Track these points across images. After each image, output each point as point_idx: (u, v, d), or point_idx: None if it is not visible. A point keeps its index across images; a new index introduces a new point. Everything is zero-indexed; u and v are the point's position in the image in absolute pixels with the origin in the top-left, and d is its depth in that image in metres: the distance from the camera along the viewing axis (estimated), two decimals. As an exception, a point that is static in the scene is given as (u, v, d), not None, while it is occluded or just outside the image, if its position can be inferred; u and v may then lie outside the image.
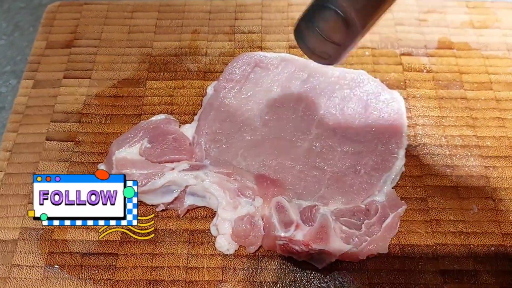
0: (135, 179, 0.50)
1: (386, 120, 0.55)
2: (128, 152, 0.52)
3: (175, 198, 0.51)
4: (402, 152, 0.53)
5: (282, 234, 0.47)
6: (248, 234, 0.48)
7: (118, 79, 0.61)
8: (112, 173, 0.51)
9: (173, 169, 0.51)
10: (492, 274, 0.48)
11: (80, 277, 0.48)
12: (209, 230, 0.51)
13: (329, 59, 0.44)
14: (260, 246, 0.49)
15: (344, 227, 0.48)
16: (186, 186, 0.51)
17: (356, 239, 0.48)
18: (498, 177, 0.53)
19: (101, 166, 0.53)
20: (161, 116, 0.56)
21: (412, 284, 0.47)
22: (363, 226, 0.49)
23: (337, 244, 0.47)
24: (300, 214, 0.49)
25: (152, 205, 0.52)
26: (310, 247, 0.47)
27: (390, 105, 0.56)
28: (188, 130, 0.55)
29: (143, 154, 0.52)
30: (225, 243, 0.49)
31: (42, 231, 0.51)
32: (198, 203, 0.52)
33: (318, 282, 0.48)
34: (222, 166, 0.52)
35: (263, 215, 0.49)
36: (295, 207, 0.50)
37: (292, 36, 0.65)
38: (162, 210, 0.51)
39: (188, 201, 0.51)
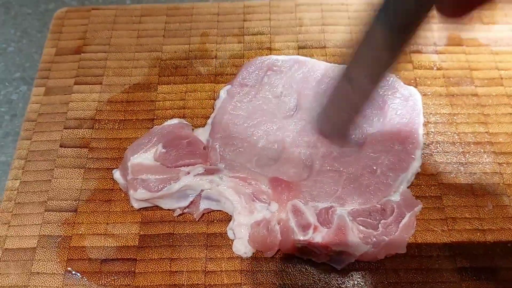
0: (151, 184, 0.50)
1: (403, 117, 0.55)
2: (143, 157, 0.52)
3: (191, 202, 0.52)
4: (419, 153, 0.53)
5: (301, 238, 0.48)
6: (266, 240, 0.48)
7: (129, 84, 0.62)
8: (128, 178, 0.51)
9: (188, 173, 0.51)
10: (509, 270, 0.48)
11: (100, 283, 0.48)
12: (226, 233, 0.51)
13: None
14: (278, 250, 0.49)
15: (361, 227, 0.49)
16: (202, 190, 0.51)
17: (374, 239, 0.48)
18: (512, 173, 0.54)
19: (116, 172, 0.54)
20: (175, 121, 0.56)
21: (430, 282, 0.48)
22: (379, 226, 0.49)
23: (355, 244, 0.47)
24: (317, 216, 0.49)
25: (169, 210, 0.52)
26: (329, 248, 0.47)
27: (407, 102, 0.56)
28: (201, 134, 0.55)
29: (158, 159, 0.52)
30: (242, 247, 0.49)
31: (60, 238, 0.51)
32: (213, 207, 0.52)
33: (337, 283, 0.48)
34: (237, 170, 0.52)
35: (279, 220, 0.49)
36: (311, 209, 0.50)
37: (301, 36, 0.65)
38: (179, 215, 0.52)
39: (203, 205, 0.52)
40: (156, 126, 0.56)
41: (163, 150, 0.52)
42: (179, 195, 0.51)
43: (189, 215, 0.52)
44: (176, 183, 0.50)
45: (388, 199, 0.51)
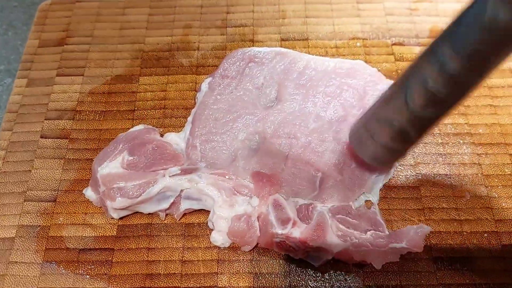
0: (129, 191, 0.49)
1: None
2: (111, 167, 0.51)
3: (171, 204, 0.51)
4: None
5: (279, 231, 0.47)
6: (245, 235, 0.48)
7: (111, 76, 0.62)
8: (101, 190, 0.50)
9: (164, 175, 0.51)
10: (485, 260, 0.48)
11: (77, 272, 0.48)
12: (204, 223, 0.51)
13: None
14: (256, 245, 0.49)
15: (340, 226, 0.48)
16: (181, 191, 0.51)
17: (356, 240, 0.48)
18: (491, 164, 0.54)
19: (87, 190, 0.52)
20: (140, 127, 0.55)
21: (406, 271, 0.48)
22: (368, 234, 0.48)
23: (333, 241, 0.47)
24: (297, 211, 0.49)
25: (149, 214, 0.52)
26: (307, 244, 0.47)
27: None
28: (174, 138, 0.55)
29: (127, 167, 0.51)
30: (219, 238, 0.49)
31: (39, 228, 0.51)
32: (194, 206, 0.51)
33: (313, 272, 0.48)
34: (217, 166, 0.52)
35: (260, 214, 0.49)
36: (292, 204, 0.50)
37: (283, 29, 0.65)
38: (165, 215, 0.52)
39: (184, 205, 0.51)
40: (121, 133, 0.55)
41: (130, 158, 0.51)
42: (159, 197, 0.51)
43: (168, 205, 0.52)
44: (154, 186, 0.50)
45: (367, 199, 0.51)
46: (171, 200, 0.51)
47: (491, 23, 0.32)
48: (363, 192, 0.51)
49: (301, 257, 0.48)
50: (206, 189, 0.50)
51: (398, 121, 0.41)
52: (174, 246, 0.50)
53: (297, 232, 0.48)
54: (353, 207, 0.51)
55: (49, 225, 0.51)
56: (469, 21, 0.34)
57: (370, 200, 0.52)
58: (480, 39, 0.33)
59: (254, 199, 0.50)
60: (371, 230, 0.49)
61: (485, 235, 0.50)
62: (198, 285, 0.48)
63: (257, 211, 0.49)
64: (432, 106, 0.39)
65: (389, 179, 0.53)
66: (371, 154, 0.47)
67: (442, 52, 0.36)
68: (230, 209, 0.49)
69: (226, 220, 0.49)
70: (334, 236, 0.48)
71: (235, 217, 0.49)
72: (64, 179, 0.54)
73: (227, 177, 0.51)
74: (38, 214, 0.52)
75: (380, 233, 0.49)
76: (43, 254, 0.50)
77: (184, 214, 0.52)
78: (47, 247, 0.50)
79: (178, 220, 0.51)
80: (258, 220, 0.49)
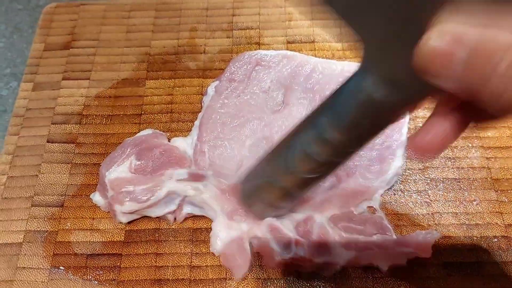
0: (138, 195, 0.49)
1: None
2: (119, 171, 0.51)
3: (177, 206, 0.51)
4: (400, 152, 0.52)
5: (286, 256, 0.46)
6: (236, 260, 0.48)
7: (117, 80, 0.62)
8: (110, 195, 0.50)
9: (171, 178, 0.50)
10: (495, 265, 0.48)
11: (85, 278, 0.48)
12: (212, 228, 0.51)
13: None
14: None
15: (344, 234, 0.48)
16: (185, 196, 0.50)
17: (361, 244, 0.47)
18: (500, 168, 0.53)
19: (95, 195, 0.52)
20: (148, 131, 0.55)
21: (415, 277, 0.47)
22: (374, 237, 0.48)
23: (339, 252, 0.46)
24: (296, 229, 0.48)
25: (157, 219, 0.51)
26: (313, 261, 0.46)
27: None
28: (181, 142, 0.54)
29: (135, 171, 0.51)
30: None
31: (46, 233, 0.51)
32: (197, 212, 0.51)
33: (322, 277, 0.48)
34: (224, 176, 0.51)
35: (253, 237, 0.48)
36: (288, 222, 0.49)
37: (290, 31, 0.65)
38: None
39: (187, 209, 0.51)
40: (128, 138, 0.55)
41: (138, 162, 0.51)
42: (166, 200, 0.50)
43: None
44: (162, 189, 0.50)
45: (369, 205, 0.51)
46: (178, 203, 0.51)
47: (366, 100, 0.31)
48: (365, 199, 0.51)
49: (310, 270, 0.47)
50: (208, 202, 0.50)
51: (282, 183, 0.43)
52: (182, 252, 0.50)
53: (302, 251, 0.47)
54: (355, 213, 0.50)
55: (56, 230, 0.51)
56: (346, 95, 0.34)
57: (372, 207, 0.51)
58: (356, 113, 0.33)
59: (244, 224, 0.49)
60: (377, 234, 0.48)
61: (495, 240, 0.49)
62: (206, 291, 0.48)
63: (248, 235, 0.48)
64: (314, 170, 0.39)
65: (394, 182, 0.53)
66: (260, 212, 0.48)
67: (321, 122, 0.36)
68: (226, 231, 0.49)
69: (221, 241, 0.49)
70: (339, 246, 0.47)
71: (225, 245, 0.48)
72: (71, 184, 0.54)
73: (227, 195, 0.50)
74: (45, 219, 0.52)
75: (387, 237, 0.48)
76: (51, 259, 0.50)
77: (192, 219, 0.51)
78: (55, 252, 0.50)
79: (180, 222, 0.51)
80: (250, 244, 0.48)
